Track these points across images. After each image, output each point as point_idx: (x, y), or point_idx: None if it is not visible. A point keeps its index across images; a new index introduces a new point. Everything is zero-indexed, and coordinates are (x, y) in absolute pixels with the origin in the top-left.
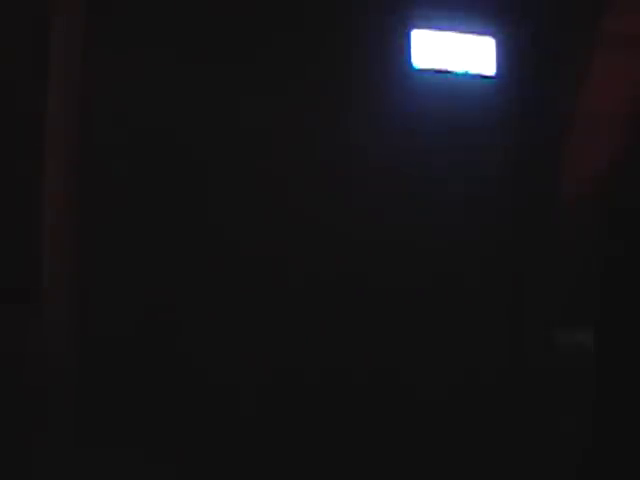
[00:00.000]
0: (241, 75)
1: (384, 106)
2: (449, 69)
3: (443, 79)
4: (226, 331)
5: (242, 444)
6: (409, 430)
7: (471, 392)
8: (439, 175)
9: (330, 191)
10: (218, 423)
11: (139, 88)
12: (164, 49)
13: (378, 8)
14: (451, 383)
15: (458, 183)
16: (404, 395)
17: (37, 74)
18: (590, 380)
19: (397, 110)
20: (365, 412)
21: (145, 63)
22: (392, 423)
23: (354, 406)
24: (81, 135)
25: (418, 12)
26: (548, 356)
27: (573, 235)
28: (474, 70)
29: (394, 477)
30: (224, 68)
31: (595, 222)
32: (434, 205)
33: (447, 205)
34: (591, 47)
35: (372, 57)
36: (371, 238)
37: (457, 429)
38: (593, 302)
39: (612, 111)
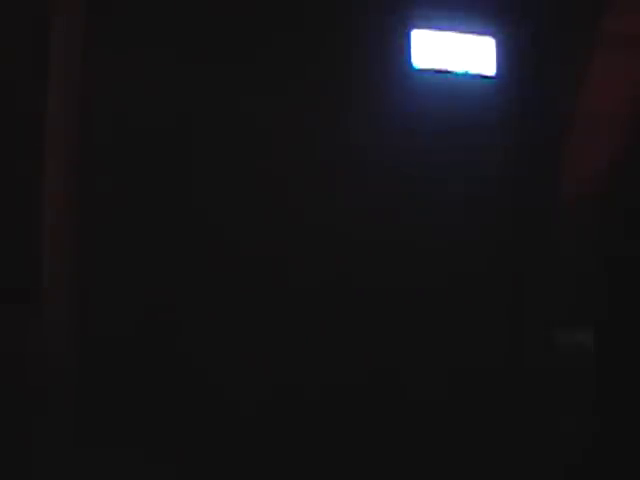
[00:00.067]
0: (241, 75)
1: (384, 106)
2: (449, 69)
3: (443, 79)
4: (226, 331)
5: (242, 444)
6: (409, 430)
7: (471, 392)
8: (439, 175)
9: (330, 191)
10: (218, 423)
11: (139, 88)
12: (164, 49)
13: (378, 8)
14: (451, 383)
15: (458, 183)
16: (404, 395)
17: (37, 74)
18: (590, 380)
19: (397, 110)
20: (365, 412)
21: (145, 63)
22: (392, 423)
23: (354, 406)
24: (81, 135)
25: (418, 12)
26: (548, 356)
27: (573, 235)
28: (474, 70)
29: (394, 477)
30: (224, 68)
31: (595, 222)
32: (434, 205)
33: (447, 205)
34: (591, 47)
35: (372, 57)
36: (371, 238)
37: (457, 429)
38: (593, 302)
39: (612, 111)
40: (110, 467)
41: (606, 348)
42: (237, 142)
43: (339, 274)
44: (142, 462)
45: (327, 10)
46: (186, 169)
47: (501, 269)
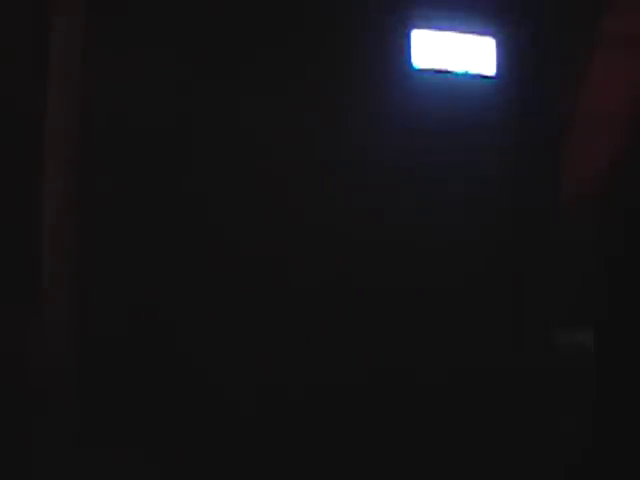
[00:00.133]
0: (241, 75)
1: (384, 106)
2: (449, 69)
3: (443, 79)
4: (226, 331)
5: (242, 444)
6: (409, 429)
7: (471, 392)
8: (439, 175)
9: (330, 191)
10: (218, 423)
11: (139, 88)
12: (164, 49)
13: (378, 8)
14: (451, 383)
15: (458, 183)
16: (404, 395)
17: (37, 74)
18: (590, 380)
19: (397, 110)
20: (365, 412)
21: (145, 63)
22: (392, 423)
23: (354, 406)
24: (81, 135)
25: (418, 12)
26: (548, 356)
27: (573, 235)
28: (474, 70)
29: (395, 476)
30: (224, 68)
31: (595, 222)
32: (434, 205)
33: (447, 205)
34: (591, 47)
35: (372, 57)
36: (371, 238)
37: (457, 429)
38: (593, 302)
39: (612, 111)
40: (110, 467)
41: (606, 348)
42: (237, 142)
43: (339, 274)
44: (143, 462)
45: (327, 10)
46: (186, 169)
47: (501, 269)
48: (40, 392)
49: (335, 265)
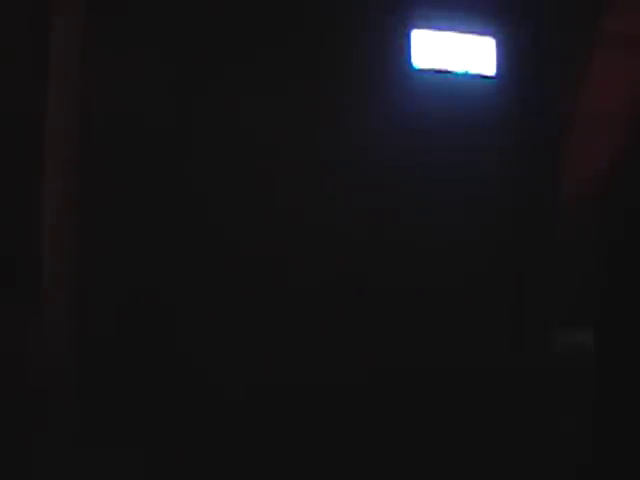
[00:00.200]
0: (241, 75)
1: (384, 106)
2: (449, 69)
3: (443, 79)
4: (226, 331)
5: (243, 443)
6: (409, 429)
7: (471, 392)
8: (439, 175)
9: (330, 191)
10: (218, 423)
11: (139, 88)
12: (164, 49)
13: (378, 8)
14: (451, 383)
15: (458, 183)
16: (404, 394)
17: (37, 74)
18: (590, 380)
19: (397, 110)
20: (365, 412)
21: (145, 63)
22: (392, 422)
23: (354, 406)
24: (81, 135)
25: (418, 12)
26: (548, 356)
27: (573, 235)
28: (474, 70)
29: (395, 476)
30: (224, 68)
31: (595, 222)
32: (434, 205)
33: (447, 205)
34: (591, 47)
35: (372, 57)
36: (371, 238)
37: (457, 429)
38: (593, 302)
39: (612, 111)
40: (110, 467)
41: (606, 348)
42: (237, 142)
43: (339, 274)
44: (142, 462)
45: (327, 10)
46: (186, 169)
47: (501, 269)
48: (40, 392)
49: (335, 265)
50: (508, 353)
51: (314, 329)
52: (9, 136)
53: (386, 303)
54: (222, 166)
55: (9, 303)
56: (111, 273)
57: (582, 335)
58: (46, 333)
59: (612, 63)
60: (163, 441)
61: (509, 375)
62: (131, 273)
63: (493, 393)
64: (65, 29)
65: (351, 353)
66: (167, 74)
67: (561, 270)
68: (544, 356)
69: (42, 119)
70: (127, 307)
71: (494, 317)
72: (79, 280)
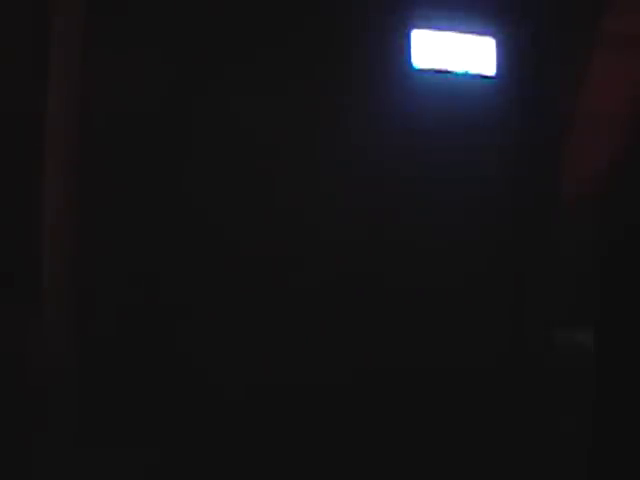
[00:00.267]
0: (241, 75)
1: (384, 106)
2: (449, 69)
3: (443, 79)
4: (227, 331)
5: (243, 444)
6: (409, 430)
7: (471, 392)
8: (439, 175)
9: (330, 191)
10: (218, 423)
11: (139, 88)
12: (164, 49)
13: (378, 8)
14: (451, 383)
15: (458, 183)
16: (404, 395)
17: (37, 74)
18: (590, 380)
19: (397, 110)
20: (365, 412)
21: (145, 63)
22: (392, 422)
23: (354, 406)
24: (81, 135)
25: (418, 12)
26: (548, 356)
27: (573, 235)
28: (474, 70)
29: (394, 477)
30: (224, 68)
31: (595, 222)
32: (434, 205)
33: (447, 205)
34: (591, 47)
35: (372, 57)
36: (371, 238)
37: (457, 429)
38: (593, 302)
39: (612, 111)
40: (110, 467)
41: (606, 348)
42: (237, 142)
43: (339, 274)
44: (142, 462)
45: (327, 10)
46: (186, 169)
47: (501, 269)
48: (40, 392)
49: (335, 265)
50: (508, 353)
51: (314, 329)
52: (9, 136)
53: (386, 303)
54: (222, 166)
55: (9, 303)
56: (111, 273)
57: (582, 335)
58: (46, 333)
59: (612, 63)
60: (163, 441)
61: (509, 375)
62: (131, 273)
63: (493, 393)
64: (65, 29)
65: (351, 353)
66: (167, 74)
67: (561, 270)
68: (544, 356)
69: (42, 119)
70: (127, 307)
71: (494, 317)
72: (79, 280)
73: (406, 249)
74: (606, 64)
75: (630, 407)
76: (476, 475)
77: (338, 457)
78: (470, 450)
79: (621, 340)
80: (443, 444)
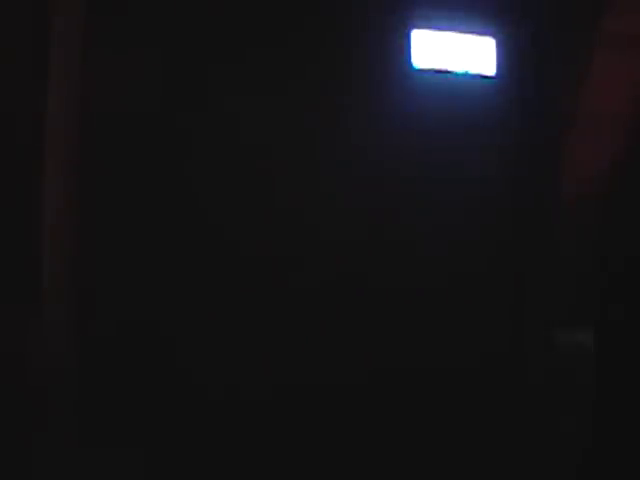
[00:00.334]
0: (241, 75)
1: (384, 106)
2: (449, 69)
3: (443, 79)
4: (227, 331)
5: (243, 444)
6: (409, 430)
7: (471, 392)
8: (439, 175)
9: (330, 191)
10: (218, 423)
11: (139, 88)
12: (164, 49)
13: (378, 8)
14: (451, 383)
15: (458, 183)
16: (404, 395)
17: (37, 74)
18: (590, 380)
19: (397, 110)
20: (365, 412)
21: (145, 63)
22: (392, 423)
23: (354, 406)
24: (81, 135)
25: (418, 12)
26: (548, 356)
27: (573, 235)
28: (474, 70)
29: (394, 477)
30: (224, 68)
31: (595, 222)
32: (434, 205)
33: (447, 205)
34: (591, 47)
35: (372, 57)
36: (371, 238)
37: (457, 429)
38: (593, 302)
39: (613, 111)
40: (110, 467)
41: (606, 348)
42: (237, 142)
43: (339, 274)
44: (142, 462)
45: (327, 10)
46: (186, 169)
47: (501, 269)
48: (40, 392)
49: (335, 265)
50: (508, 353)
51: (314, 329)
52: (9, 136)
53: (386, 303)
54: (222, 166)
55: (9, 303)
56: (111, 273)
57: (582, 335)
58: (46, 333)
59: (613, 63)
60: (163, 441)
61: (509, 375)
62: (131, 273)
63: (493, 393)
64: (65, 29)
65: (351, 353)
66: (167, 74)
67: (561, 270)
68: (544, 356)
69: (42, 119)
70: (127, 307)
71: (494, 317)
72: (79, 280)
73: (406, 249)
74: (606, 64)
75: (630, 407)
76: (476, 475)
77: (338, 456)
78: (470, 449)
79: (621, 340)
80: (443, 444)
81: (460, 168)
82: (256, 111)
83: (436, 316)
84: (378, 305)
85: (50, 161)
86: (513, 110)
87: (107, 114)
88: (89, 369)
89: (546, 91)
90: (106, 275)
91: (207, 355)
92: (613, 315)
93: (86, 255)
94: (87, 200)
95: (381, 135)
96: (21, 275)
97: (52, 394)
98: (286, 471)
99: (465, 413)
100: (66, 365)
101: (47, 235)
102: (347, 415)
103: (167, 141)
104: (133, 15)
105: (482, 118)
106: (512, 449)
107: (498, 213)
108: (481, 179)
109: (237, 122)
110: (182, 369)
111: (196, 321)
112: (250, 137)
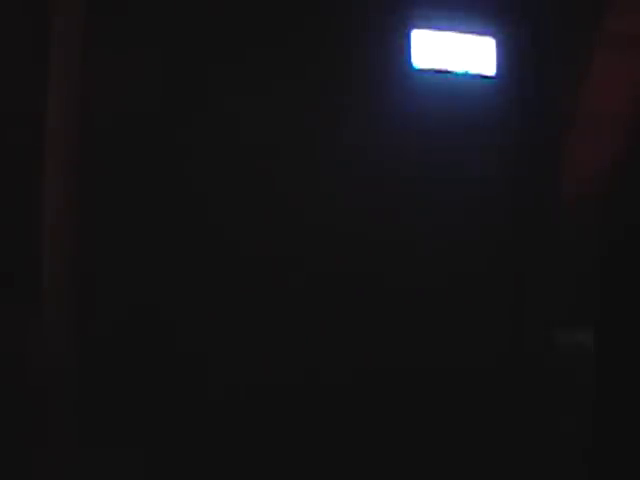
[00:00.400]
0: (241, 75)
1: (384, 106)
2: (449, 69)
3: (443, 79)
4: (226, 331)
5: (243, 444)
6: (409, 430)
7: (471, 392)
8: (439, 175)
9: (330, 191)
10: (218, 423)
11: (139, 88)
12: (164, 49)
13: (378, 8)
14: (451, 383)
15: (458, 183)
16: (404, 395)
17: (37, 74)
18: (590, 380)
19: (397, 110)
20: (365, 412)
21: (145, 63)
22: (392, 423)
23: (354, 406)
24: (81, 135)
25: (418, 12)
26: (548, 356)
27: (573, 235)
28: (474, 70)
29: (394, 476)
30: (224, 68)
31: (595, 222)
32: (434, 205)
33: (447, 205)
34: (592, 47)
35: (372, 57)
36: (371, 238)
37: (457, 429)
38: (593, 302)
39: (613, 111)
40: (110, 467)
41: (606, 348)
42: (237, 142)
43: (339, 274)
44: (143, 462)
45: (327, 10)
46: (186, 169)
47: (501, 269)
48: (40, 392)
49: (335, 265)
50: (508, 353)
51: (314, 329)
52: (9, 136)
53: (386, 303)
54: (222, 166)
55: (9, 303)
56: (111, 273)
57: (582, 335)
58: (46, 333)
59: (613, 63)
60: (163, 441)
61: (509, 375)
62: (131, 273)
63: (493, 393)
64: (65, 29)
65: (351, 353)
66: (167, 74)
67: (561, 270)
68: (544, 356)
69: (42, 119)
70: (127, 307)
71: (494, 317)
72: (79, 280)
73: (406, 249)
74: (607, 64)
75: (630, 407)
76: (476, 475)
77: (338, 456)
78: (470, 450)
79: (621, 340)
80: (444, 444)
81: (460, 168)
82: (256, 111)
83: (436, 316)
84: (378, 305)
85: (50, 161)
86: (513, 110)
87: (107, 114)
88: (89, 369)
89: (546, 91)
90: (106, 275)
91: (207, 356)
92: (613, 315)
93: (86, 255)
94: (87, 200)
95: (381, 135)
96: (21, 275)
97: (52, 394)
98: (286, 471)
99: (465, 413)
100: (66, 365)
101: (47, 235)
102: (346, 415)
103: (167, 141)
104: (133, 15)
105: (482, 118)
106: (512, 449)
107: (498, 213)
108: (481, 179)
109: (237, 122)
110: (182, 370)
111: (197, 321)
112: (250, 137)
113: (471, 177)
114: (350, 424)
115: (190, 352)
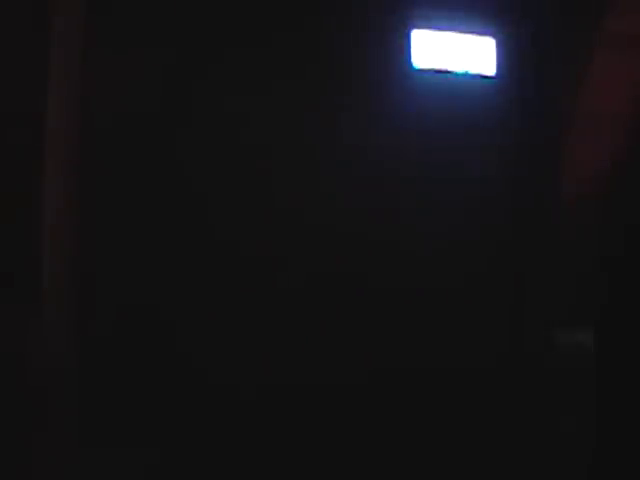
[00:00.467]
0: (241, 75)
1: (384, 106)
2: (449, 69)
3: (443, 79)
4: (226, 331)
5: (243, 443)
6: (409, 430)
7: (471, 392)
8: (439, 175)
9: (330, 191)
10: (218, 423)
11: (139, 88)
12: (164, 49)
13: (378, 8)
14: (451, 383)
15: (458, 183)
16: (404, 395)
17: (37, 74)
18: (590, 380)
19: (397, 110)
20: (365, 412)
21: (145, 63)
22: (392, 423)
23: (354, 406)
24: (81, 135)
25: (418, 12)
26: (548, 356)
27: (573, 235)
28: (474, 70)
29: (394, 476)
30: (224, 68)
31: (595, 222)
32: (434, 205)
33: (447, 205)
34: (592, 47)
35: (372, 57)
36: (371, 238)
37: (457, 429)
38: (593, 302)
39: (613, 111)
40: (110, 467)
41: (606, 348)
42: (237, 142)
43: (339, 274)
44: (142, 462)
45: (327, 10)
46: (186, 169)
47: (501, 269)
48: (40, 392)
49: (335, 265)
50: (508, 353)
51: (314, 329)
52: (9, 136)
53: (386, 303)
54: (222, 166)
55: (9, 303)
56: (111, 273)
57: (582, 335)
58: (46, 333)
59: (613, 63)
60: (163, 441)
61: (509, 375)
62: (131, 273)
63: (493, 393)
64: (65, 29)
65: (351, 353)
66: (167, 74)
67: (561, 270)
68: (544, 356)
69: (42, 119)
70: (127, 307)
71: (494, 317)
72: (79, 280)
73: (406, 249)
74: (607, 64)
75: (630, 407)
76: (476, 475)
77: (338, 456)
78: (471, 449)
79: (621, 340)
80: (444, 444)
81: (460, 168)
82: (256, 111)
83: (436, 316)
84: (378, 305)
85: (50, 161)
86: (513, 110)
87: (107, 114)
88: (89, 369)
89: (546, 91)
90: (106, 275)
91: (207, 355)
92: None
93: (86, 255)
94: (87, 200)
95: (381, 135)
96: (21, 275)
97: (52, 394)
98: (286, 471)
99: (465, 413)
100: (66, 365)
101: (47, 235)
102: (346, 415)
103: (167, 141)
104: (133, 15)
105: (482, 118)
106: (512, 449)
107: (498, 213)
108: (481, 179)
109: (237, 122)
110: (182, 370)
111: (196, 321)
112: (250, 137)
113: (471, 177)
114: (350, 424)
115: (190, 352)
